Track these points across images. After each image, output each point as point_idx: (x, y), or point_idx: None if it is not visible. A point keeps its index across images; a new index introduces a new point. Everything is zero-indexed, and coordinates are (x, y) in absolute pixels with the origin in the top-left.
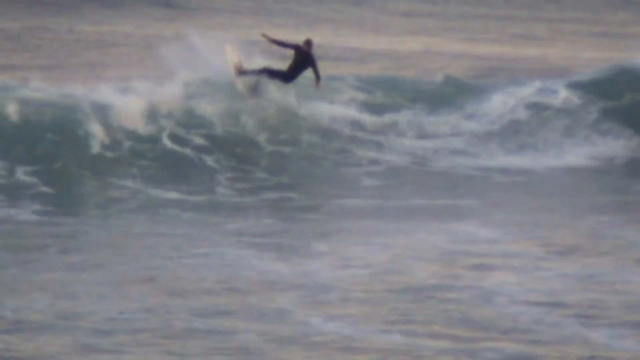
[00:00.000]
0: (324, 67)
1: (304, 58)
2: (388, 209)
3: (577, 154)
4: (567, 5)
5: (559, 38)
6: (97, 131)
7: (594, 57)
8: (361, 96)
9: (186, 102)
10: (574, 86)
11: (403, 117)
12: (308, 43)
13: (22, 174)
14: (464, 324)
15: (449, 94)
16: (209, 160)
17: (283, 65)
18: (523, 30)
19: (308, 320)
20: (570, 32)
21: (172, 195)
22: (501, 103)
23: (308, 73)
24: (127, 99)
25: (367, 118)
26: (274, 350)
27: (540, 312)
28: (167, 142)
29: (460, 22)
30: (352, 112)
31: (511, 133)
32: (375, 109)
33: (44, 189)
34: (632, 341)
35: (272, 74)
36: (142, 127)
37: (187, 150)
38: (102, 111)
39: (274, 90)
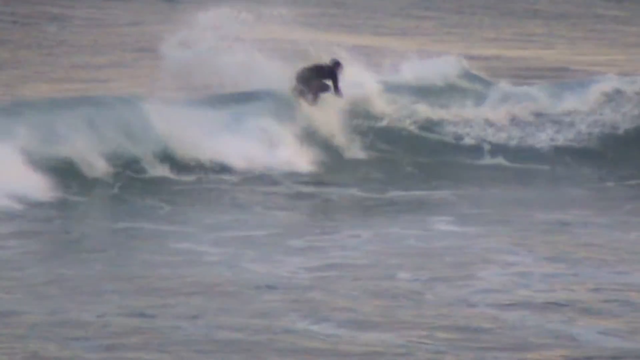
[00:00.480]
0: None
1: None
2: (365, 202)
3: None
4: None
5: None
6: None
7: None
8: None
9: None
10: None
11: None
12: (337, 64)
13: None
14: (446, 324)
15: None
16: None
17: None
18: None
19: (293, 321)
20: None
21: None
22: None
23: None
24: None
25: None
26: (261, 351)
27: (523, 312)
28: None
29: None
30: None
31: None
32: None
33: None
34: (617, 339)
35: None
36: None
37: None
38: None
39: None
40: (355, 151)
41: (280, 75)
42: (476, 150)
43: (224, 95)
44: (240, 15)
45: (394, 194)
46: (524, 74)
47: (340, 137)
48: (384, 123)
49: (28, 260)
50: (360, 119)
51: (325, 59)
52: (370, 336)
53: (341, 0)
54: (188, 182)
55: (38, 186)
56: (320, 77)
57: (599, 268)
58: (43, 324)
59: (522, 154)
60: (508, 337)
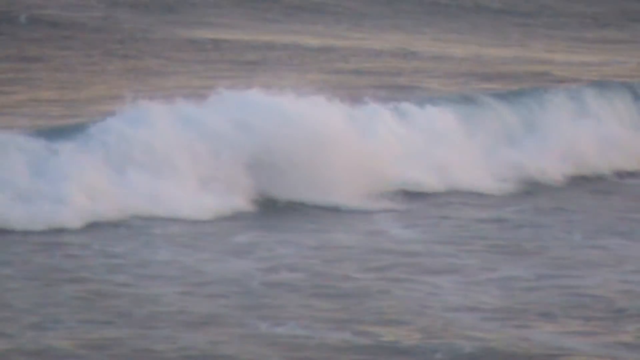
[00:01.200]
0: None
1: None
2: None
3: None
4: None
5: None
6: None
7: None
8: None
9: None
10: None
11: None
12: None
13: None
14: (406, 328)
15: None
16: None
17: None
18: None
19: (256, 324)
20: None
21: None
22: None
23: None
24: None
25: None
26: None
27: (478, 315)
28: None
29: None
30: None
31: None
32: None
33: None
34: (576, 341)
35: None
36: None
37: None
38: None
39: None
40: None
41: None
42: None
43: None
44: None
45: None
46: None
47: None
48: None
49: None
50: None
51: None
52: (332, 336)
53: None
54: None
55: None
56: None
57: (556, 271)
58: None
59: None
60: (470, 336)
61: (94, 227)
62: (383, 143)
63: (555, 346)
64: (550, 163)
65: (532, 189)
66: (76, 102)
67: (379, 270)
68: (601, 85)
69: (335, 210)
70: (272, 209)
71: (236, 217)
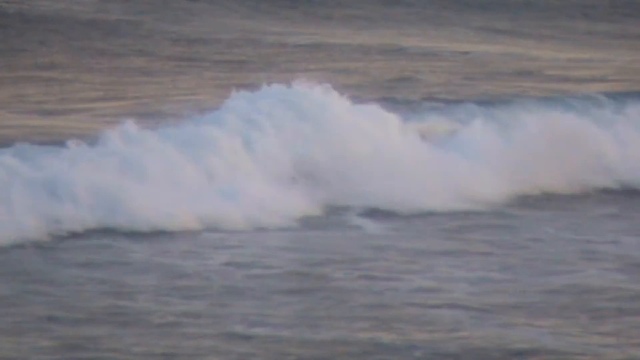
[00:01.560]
0: None
1: None
2: None
3: None
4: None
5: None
6: None
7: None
8: None
9: None
10: None
11: None
12: None
13: None
14: (385, 326)
15: None
16: None
17: None
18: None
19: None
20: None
21: None
22: None
23: None
24: None
25: None
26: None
27: (457, 313)
28: None
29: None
30: None
31: None
32: None
33: None
34: (556, 338)
35: None
36: None
37: None
38: None
39: None
40: None
41: None
42: None
43: None
44: None
45: None
46: None
47: None
48: None
49: None
50: None
51: None
52: (311, 336)
53: None
54: None
55: None
56: None
57: (531, 269)
58: None
59: None
60: (451, 335)
61: None
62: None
63: (535, 343)
64: None
65: None
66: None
67: (356, 268)
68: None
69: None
70: None
71: None
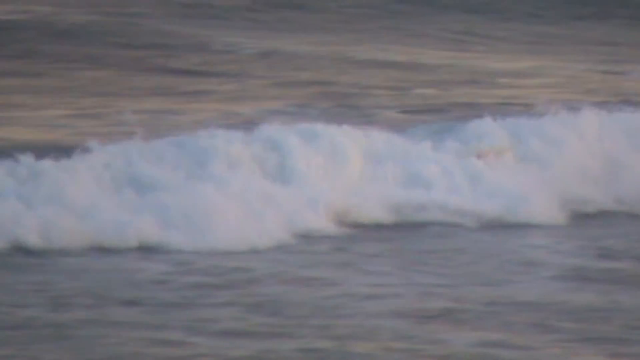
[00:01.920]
0: None
1: None
2: None
3: None
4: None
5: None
6: None
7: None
8: None
9: None
10: None
11: None
12: None
13: None
14: (323, 335)
15: None
16: None
17: None
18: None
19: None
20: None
21: None
22: None
23: None
24: None
25: None
26: None
27: (400, 322)
28: None
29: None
30: None
31: None
32: None
33: None
34: (499, 349)
35: None
36: None
37: None
38: None
39: None
40: None
41: None
42: None
43: None
44: None
45: None
46: None
47: None
48: None
49: None
50: None
51: None
52: (251, 346)
53: None
54: None
55: None
56: None
57: (468, 277)
58: None
59: None
60: (398, 344)
61: None
62: None
63: (479, 354)
64: None
65: None
66: None
67: (291, 278)
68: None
69: None
70: None
71: None
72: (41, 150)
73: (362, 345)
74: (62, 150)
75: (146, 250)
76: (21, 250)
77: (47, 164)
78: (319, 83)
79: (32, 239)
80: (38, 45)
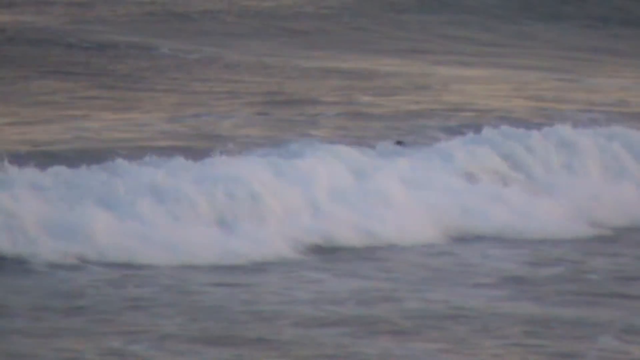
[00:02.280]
0: None
1: None
2: None
3: None
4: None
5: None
6: None
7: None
8: None
9: None
10: None
11: None
12: None
13: None
14: (259, 347)
15: None
16: None
17: None
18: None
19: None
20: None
21: None
22: None
23: None
24: None
25: None
26: None
27: (334, 330)
28: None
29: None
30: None
31: None
32: None
33: None
34: (436, 357)
35: None
36: None
37: None
38: None
39: None
40: None
41: None
42: None
43: None
44: None
45: None
46: None
47: None
48: None
49: None
50: None
51: None
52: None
53: None
54: None
55: None
56: None
57: (414, 284)
58: None
59: None
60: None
61: None
62: None
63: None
64: None
65: None
66: None
67: (226, 283)
68: None
69: None
70: None
71: None
72: None
73: (302, 353)
74: None
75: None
76: None
77: None
78: (266, 91)
79: None
80: None
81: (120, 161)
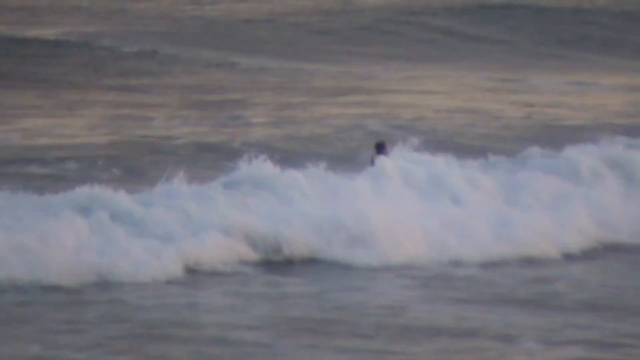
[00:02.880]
0: None
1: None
2: None
3: None
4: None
5: None
6: None
7: None
8: None
9: None
10: None
11: None
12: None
13: None
14: (182, 348)
15: None
16: None
17: None
18: None
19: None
20: None
21: None
22: None
23: None
24: None
25: None
26: None
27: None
28: None
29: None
30: None
31: None
32: None
33: None
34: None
35: None
36: None
37: None
38: None
39: None
40: None
41: None
42: None
43: None
44: None
45: None
46: None
47: None
48: None
49: None
50: None
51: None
52: None
53: None
54: None
55: None
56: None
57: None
58: None
59: None
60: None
61: None
62: None
63: None
64: None
65: None
66: None
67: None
68: None
69: None
70: None
71: None
72: None
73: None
74: None
75: None
76: None
77: None
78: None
79: None
80: None
81: None
